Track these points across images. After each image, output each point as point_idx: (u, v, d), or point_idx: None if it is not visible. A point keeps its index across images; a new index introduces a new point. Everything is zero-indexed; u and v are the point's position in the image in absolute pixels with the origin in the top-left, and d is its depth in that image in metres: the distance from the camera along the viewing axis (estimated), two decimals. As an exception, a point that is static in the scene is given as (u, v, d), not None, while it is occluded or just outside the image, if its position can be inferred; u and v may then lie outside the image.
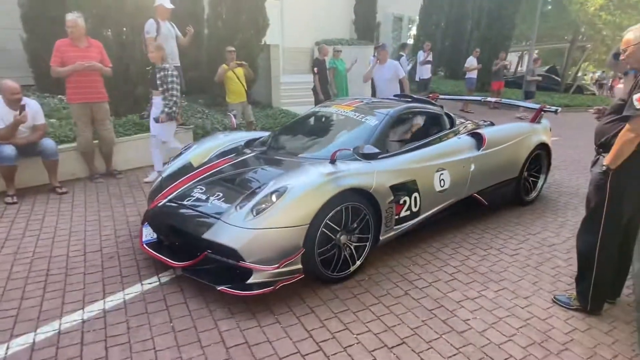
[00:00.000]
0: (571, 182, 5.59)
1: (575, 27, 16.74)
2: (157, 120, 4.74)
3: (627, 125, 2.26)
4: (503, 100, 5.92)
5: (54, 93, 6.28)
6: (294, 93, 10.57)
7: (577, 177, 5.84)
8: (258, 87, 9.09)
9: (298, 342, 2.32)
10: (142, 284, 2.86)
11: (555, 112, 4.66)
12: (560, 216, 4.31)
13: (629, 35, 2.34)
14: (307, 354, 2.23)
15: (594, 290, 2.56)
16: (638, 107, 2.19)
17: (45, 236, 3.55)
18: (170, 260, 2.84)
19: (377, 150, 2.99)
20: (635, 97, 2.21)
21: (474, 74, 11.50)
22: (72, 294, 2.72)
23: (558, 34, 18.53)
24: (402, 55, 9.77)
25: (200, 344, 2.29)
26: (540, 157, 4.53)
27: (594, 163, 2.55)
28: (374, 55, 9.50)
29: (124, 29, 6.01)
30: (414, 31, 19.13)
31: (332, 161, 2.92)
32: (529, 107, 5.21)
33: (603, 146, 2.48)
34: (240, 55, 8.45)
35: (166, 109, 4.72)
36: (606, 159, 2.38)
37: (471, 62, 11.49)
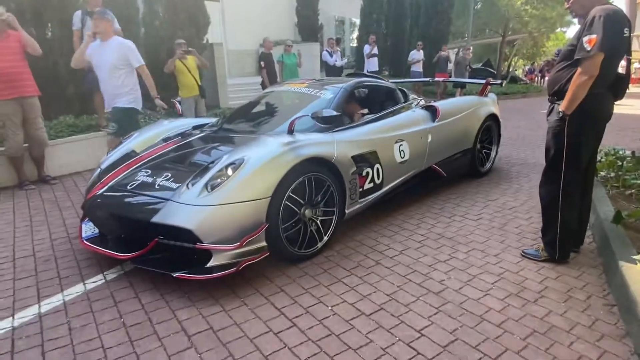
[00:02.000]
0: (519, 154, 5.80)
1: (505, 22, 17.83)
2: None
3: (579, 69, 2.29)
4: (451, 79, 6.05)
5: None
6: (242, 94, 10.30)
7: (524, 150, 6.08)
8: (204, 87, 8.77)
9: (269, 321, 2.11)
10: (84, 284, 2.51)
11: (501, 84, 4.81)
12: (515, 183, 4.42)
13: (573, -19, 2.39)
14: (280, 332, 2.02)
15: (560, 239, 2.57)
16: (588, 48, 2.22)
17: (-36, 247, 3.07)
18: (116, 253, 2.53)
19: (336, 113, 2.86)
20: (584, 39, 2.24)
21: (418, 67, 11.73)
22: (-1, 302, 2.33)
23: (490, 28, 19.64)
24: (337, 51, 9.70)
25: (157, 336, 2.01)
26: (491, 129, 4.63)
27: (550, 112, 2.58)
28: (326, 49, 9.39)
29: (49, 24, 5.52)
30: (356, 34, 19.47)
31: (290, 131, 2.75)
32: (475, 83, 5.35)
33: (557, 94, 2.50)
34: (182, 53, 8.09)
35: None
36: (562, 105, 2.39)
37: (414, 55, 11.74)
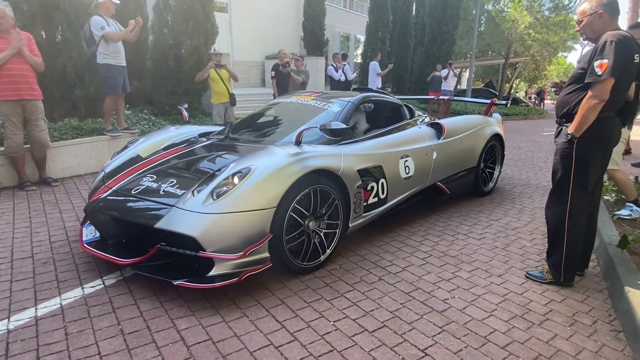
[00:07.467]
0: (521, 175, 5.81)
1: (508, 45, 18.05)
2: None
3: (590, 92, 2.30)
4: (455, 97, 6.09)
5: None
6: (246, 104, 10.36)
7: (526, 171, 6.09)
8: (208, 97, 8.81)
9: (270, 334, 2.07)
10: (82, 288, 2.47)
11: (506, 105, 4.84)
12: (517, 204, 4.41)
13: (584, 5, 2.41)
14: (281, 345, 1.98)
15: (566, 261, 2.54)
16: (599, 73, 2.23)
17: (-38, 246, 3.03)
18: (116, 258, 2.49)
19: (345, 126, 2.85)
20: (595, 63, 2.26)
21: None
22: (-5, 304, 2.29)
23: (493, 50, 19.88)
24: (345, 64, 9.87)
25: (155, 345, 1.97)
26: (495, 148, 4.64)
27: (558, 134, 2.58)
28: (332, 64, 9.52)
29: (60, 27, 5.56)
30: (360, 50, 19.67)
31: (298, 142, 2.75)
32: (480, 103, 5.39)
33: (565, 116, 2.51)
34: (189, 62, 8.17)
35: None
36: (570, 127, 2.40)
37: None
